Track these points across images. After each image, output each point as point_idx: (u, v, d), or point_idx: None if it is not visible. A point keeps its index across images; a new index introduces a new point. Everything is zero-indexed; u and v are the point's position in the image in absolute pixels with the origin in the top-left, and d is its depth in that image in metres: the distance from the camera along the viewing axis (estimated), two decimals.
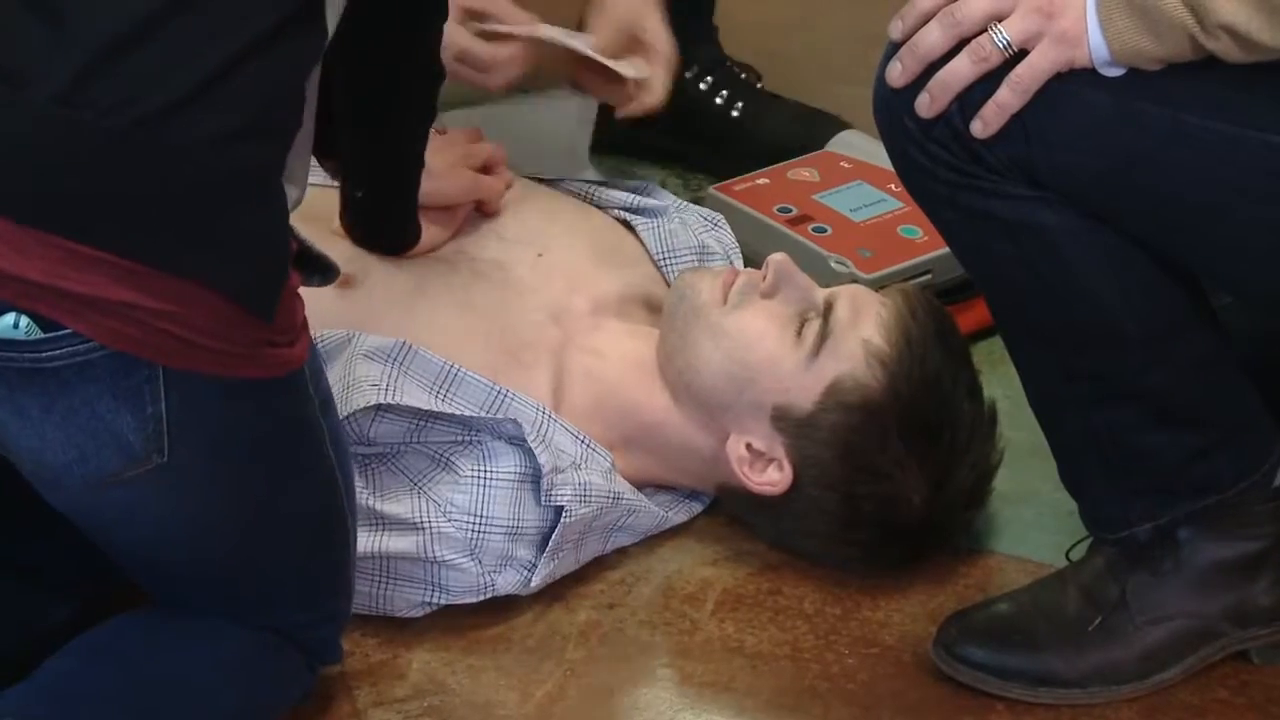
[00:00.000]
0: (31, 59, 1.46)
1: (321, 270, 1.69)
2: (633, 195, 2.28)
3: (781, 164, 2.47)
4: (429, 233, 2.07)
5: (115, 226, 1.46)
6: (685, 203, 2.31)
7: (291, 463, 1.65)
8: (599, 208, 2.27)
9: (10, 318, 1.48)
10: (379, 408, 1.89)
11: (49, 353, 1.49)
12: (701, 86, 2.56)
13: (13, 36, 1.48)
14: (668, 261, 2.21)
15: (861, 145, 2.48)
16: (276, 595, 1.71)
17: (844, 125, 2.55)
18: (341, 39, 1.64)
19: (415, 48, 1.87)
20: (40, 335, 1.48)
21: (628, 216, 2.26)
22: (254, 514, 1.64)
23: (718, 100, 2.56)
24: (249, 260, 1.52)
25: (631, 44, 2.19)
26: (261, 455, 1.61)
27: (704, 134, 2.56)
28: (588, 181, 2.31)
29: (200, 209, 1.49)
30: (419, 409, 1.90)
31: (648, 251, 2.22)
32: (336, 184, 2.02)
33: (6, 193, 1.46)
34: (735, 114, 2.56)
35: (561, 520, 1.89)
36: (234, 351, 1.53)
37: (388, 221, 2.05)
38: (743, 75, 2.59)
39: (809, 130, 2.55)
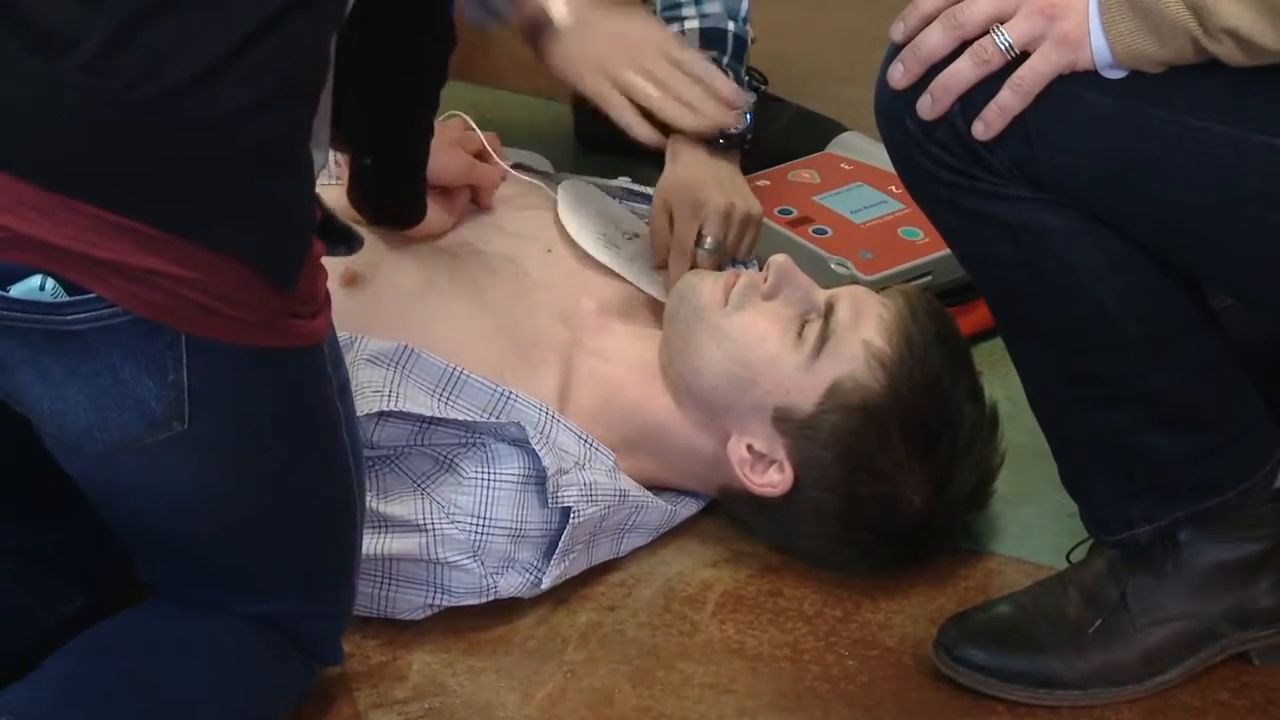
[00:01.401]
0: (62, 28, 1.47)
1: (346, 240, 1.70)
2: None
3: (782, 165, 2.48)
4: (432, 213, 2.07)
5: (140, 195, 1.48)
6: None
7: (309, 440, 1.65)
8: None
9: (36, 280, 1.49)
10: (382, 413, 1.89)
11: (73, 315, 1.50)
12: None
13: (45, 6, 1.48)
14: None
15: (862, 147, 2.48)
16: (282, 578, 1.71)
17: (842, 129, 2.56)
18: (358, 8, 1.64)
19: (430, 10, 1.87)
20: (65, 298, 1.49)
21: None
22: (268, 488, 1.64)
23: None
24: (273, 229, 1.53)
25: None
26: (280, 428, 1.62)
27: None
28: (620, 188, 2.32)
29: (226, 178, 1.50)
30: (421, 415, 1.90)
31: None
32: (335, 181, 2.02)
33: (34, 159, 1.47)
34: None
35: (570, 521, 1.90)
36: (256, 320, 1.53)
37: (396, 191, 2.04)
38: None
39: (807, 134, 2.56)
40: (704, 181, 2.16)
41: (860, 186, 2.41)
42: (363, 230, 1.83)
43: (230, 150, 1.49)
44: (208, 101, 1.48)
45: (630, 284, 2.15)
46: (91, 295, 1.49)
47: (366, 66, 1.83)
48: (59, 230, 1.47)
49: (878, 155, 2.43)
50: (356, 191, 2.02)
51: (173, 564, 1.71)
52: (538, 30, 2.08)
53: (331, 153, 1.93)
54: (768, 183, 2.43)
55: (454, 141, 2.14)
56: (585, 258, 2.15)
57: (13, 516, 1.77)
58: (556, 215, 2.19)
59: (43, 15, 1.48)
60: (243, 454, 1.61)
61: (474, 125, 2.19)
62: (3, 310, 1.50)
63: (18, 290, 1.50)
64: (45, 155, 1.47)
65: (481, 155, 2.18)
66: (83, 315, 1.50)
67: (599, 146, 2.55)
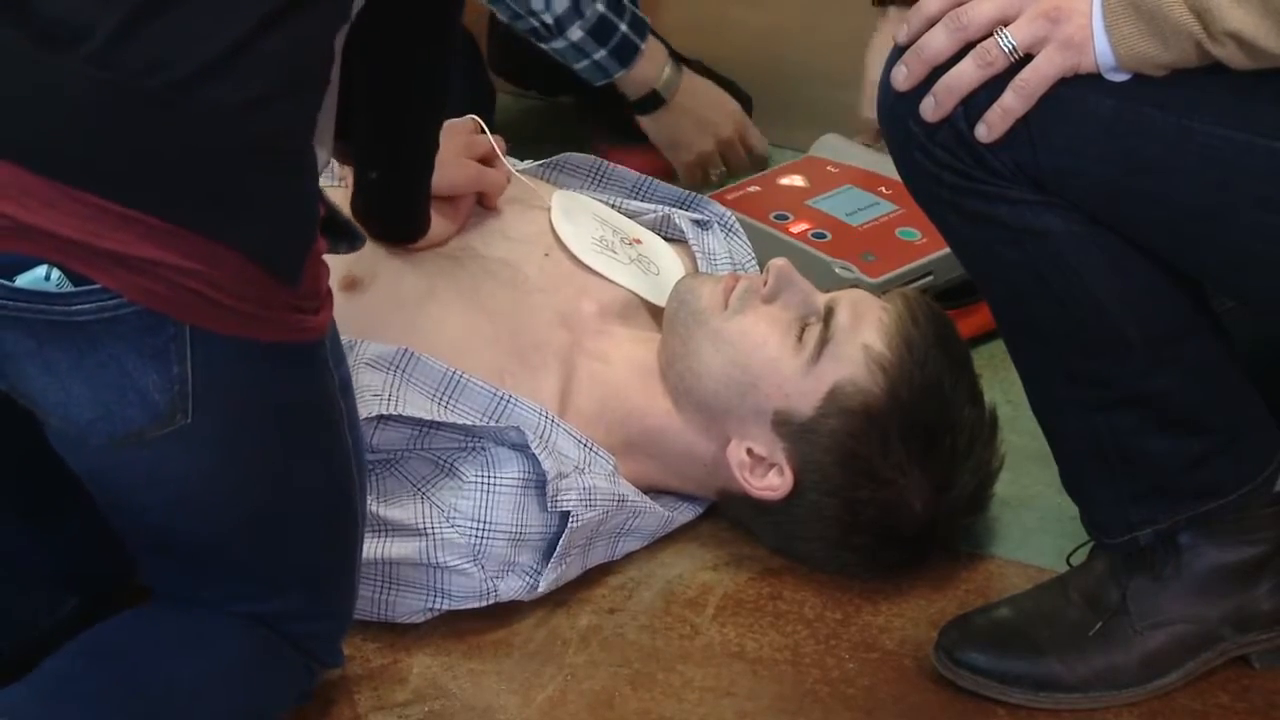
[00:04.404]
0: (69, 20, 1.47)
1: (348, 237, 1.70)
2: (663, 208, 2.27)
3: (770, 170, 2.49)
4: (436, 224, 2.08)
5: (145, 186, 1.48)
6: (724, 213, 2.31)
7: (311, 436, 1.65)
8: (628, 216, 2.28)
9: (41, 270, 1.50)
10: (382, 416, 1.89)
11: (78, 306, 1.50)
12: None
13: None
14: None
15: (843, 148, 2.49)
16: (283, 576, 1.71)
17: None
18: (365, 18, 1.64)
19: (439, 27, 1.87)
20: (70, 288, 1.50)
21: (676, 230, 2.26)
22: (271, 484, 1.64)
23: None
24: (276, 222, 1.53)
25: None
26: (282, 423, 1.62)
27: (620, 99, 2.67)
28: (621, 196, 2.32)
29: (230, 171, 1.50)
30: (421, 419, 1.90)
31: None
32: (338, 184, 2.01)
33: (40, 150, 1.47)
34: None
35: (568, 526, 1.89)
36: (258, 314, 1.54)
37: (399, 206, 2.05)
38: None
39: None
40: None
41: (850, 189, 2.41)
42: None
43: (236, 143, 1.50)
44: (214, 94, 1.48)
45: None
46: (97, 286, 1.49)
47: (375, 82, 1.83)
48: (63, 220, 1.47)
49: (860, 156, 2.44)
50: (360, 205, 2.02)
51: (174, 561, 1.70)
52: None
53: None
54: (758, 189, 2.43)
55: (462, 146, 2.14)
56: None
57: (7, 519, 1.77)
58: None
59: (50, 7, 1.48)
60: (245, 449, 1.61)
61: (485, 126, 2.19)
62: (8, 301, 1.50)
63: (23, 280, 1.50)
64: (50, 146, 1.47)
65: (488, 158, 2.18)
66: (87, 306, 1.50)
67: (510, 77, 2.79)
